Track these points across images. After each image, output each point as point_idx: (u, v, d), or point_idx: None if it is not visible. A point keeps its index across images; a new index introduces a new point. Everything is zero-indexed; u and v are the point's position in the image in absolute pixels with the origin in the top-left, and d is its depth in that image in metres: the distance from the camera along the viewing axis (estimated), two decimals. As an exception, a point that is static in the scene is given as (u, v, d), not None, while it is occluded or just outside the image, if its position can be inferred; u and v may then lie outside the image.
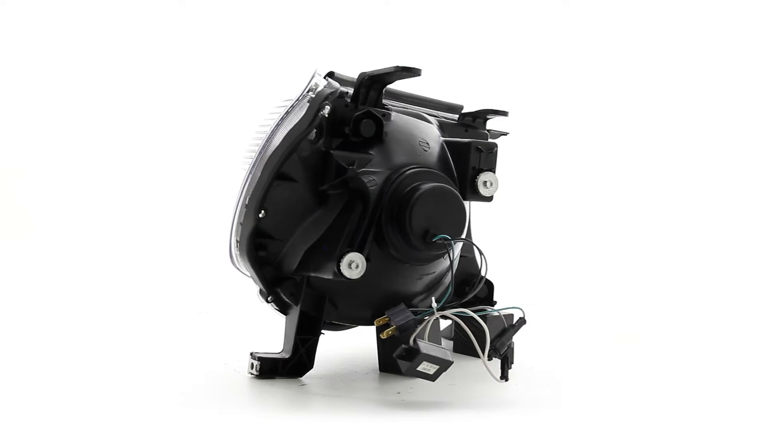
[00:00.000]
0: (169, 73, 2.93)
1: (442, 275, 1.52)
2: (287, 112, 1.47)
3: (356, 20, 2.95)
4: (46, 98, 2.96)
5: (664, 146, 2.94)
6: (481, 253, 1.44)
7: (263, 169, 1.45)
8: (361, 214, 1.43)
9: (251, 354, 1.50)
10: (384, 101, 1.52)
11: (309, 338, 1.49)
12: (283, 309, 1.52)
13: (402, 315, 1.39)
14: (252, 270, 1.50)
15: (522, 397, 1.44)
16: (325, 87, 1.47)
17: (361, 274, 1.40)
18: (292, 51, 2.84)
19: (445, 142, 1.54)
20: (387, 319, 1.40)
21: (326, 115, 1.45)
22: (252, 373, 1.49)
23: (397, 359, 1.37)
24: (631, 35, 2.98)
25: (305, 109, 1.46)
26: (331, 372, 1.56)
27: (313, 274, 1.46)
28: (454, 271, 1.44)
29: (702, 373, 1.67)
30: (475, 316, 1.39)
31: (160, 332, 1.89)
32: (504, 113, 1.64)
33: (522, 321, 1.45)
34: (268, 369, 1.49)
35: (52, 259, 2.61)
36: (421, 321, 1.38)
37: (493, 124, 1.69)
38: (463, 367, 1.59)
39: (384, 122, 1.46)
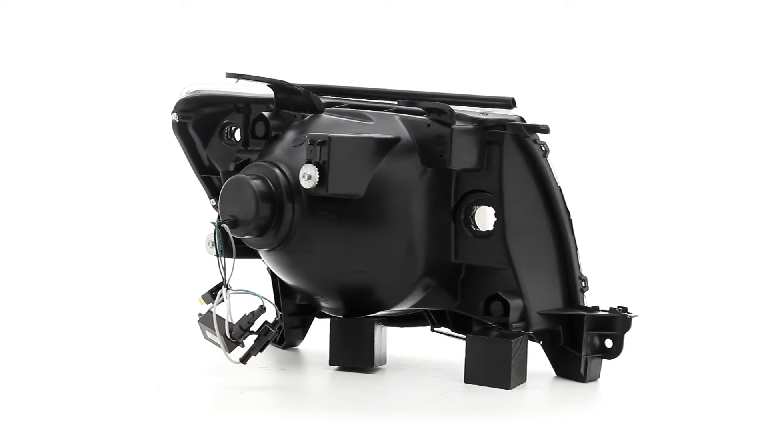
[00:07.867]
0: (169, 73, 2.93)
1: (383, 252, 1.51)
2: None
3: (356, 21, 2.95)
4: (45, 98, 2.96)
5: (668, 146, 2.94)
6: (223, 262, 1.48)
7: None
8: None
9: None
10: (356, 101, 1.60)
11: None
12: None
13: (210, 290, 1.52)
14: None
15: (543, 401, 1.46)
16: (182, 99, 1.67)
17: (212, 254, 1.51)
18: (291, 52, 2.84)
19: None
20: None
21: (176, 121, 1.67)
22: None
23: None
24: (632, 34, 2.98)
25: None
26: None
27: None
28: (220, 255, 1.47)
29: (707, 374, 1.67)
30: (227, 298, 1.45)
31: (159, 332, 1.89)
32: (436, 99, 1.53)
33: (262, 309, 1.46)
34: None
35: (50, 258, 2.60)
36: (215, 297, 1.48)
37: (533, 117, 1.64)
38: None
39: (272, 123, 1.57)
